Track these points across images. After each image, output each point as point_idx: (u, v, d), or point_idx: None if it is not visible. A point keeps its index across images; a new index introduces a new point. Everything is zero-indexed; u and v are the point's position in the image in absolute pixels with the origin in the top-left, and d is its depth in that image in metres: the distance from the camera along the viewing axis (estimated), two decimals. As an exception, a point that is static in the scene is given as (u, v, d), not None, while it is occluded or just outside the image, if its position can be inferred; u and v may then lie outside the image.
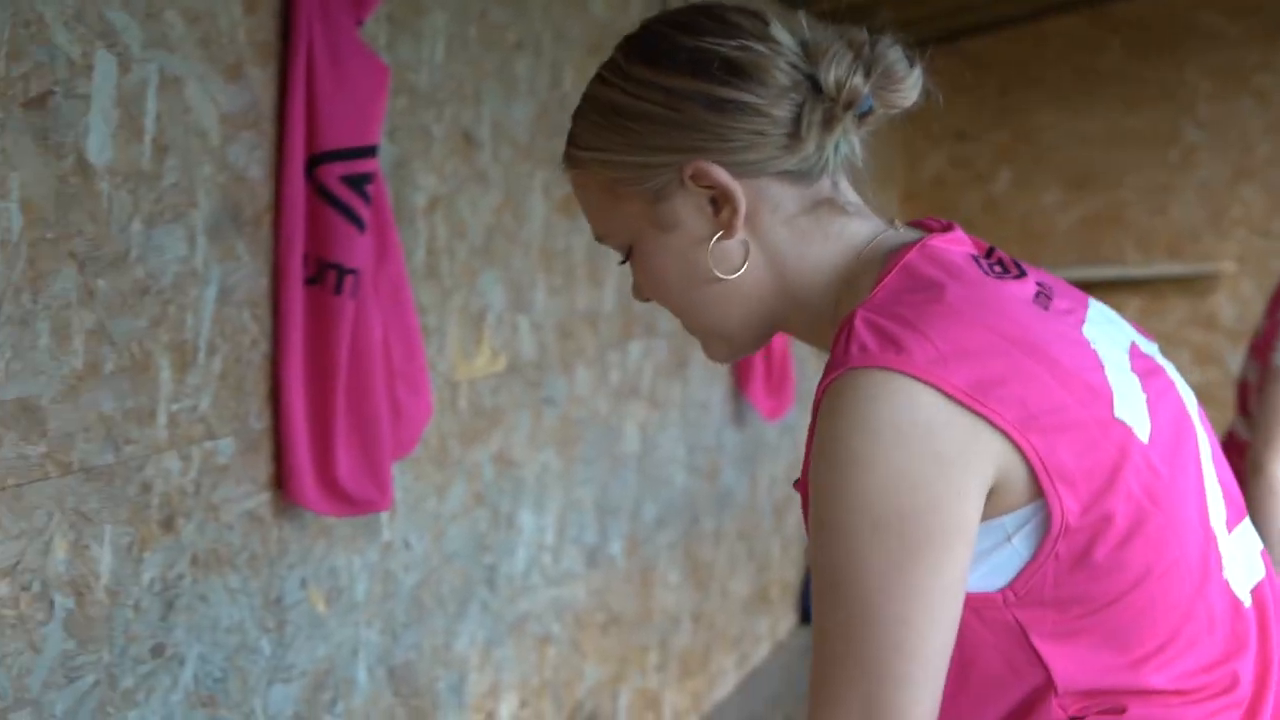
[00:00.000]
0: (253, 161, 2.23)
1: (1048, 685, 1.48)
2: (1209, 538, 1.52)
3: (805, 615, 4.98)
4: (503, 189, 2.93)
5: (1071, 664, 1.47)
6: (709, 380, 4.10)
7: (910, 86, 1.54)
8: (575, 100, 3.14)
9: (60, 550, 1.90)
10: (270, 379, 2.28)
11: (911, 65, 1.54)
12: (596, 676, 3.42)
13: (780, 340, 4.32)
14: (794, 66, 1.53)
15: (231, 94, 2.18)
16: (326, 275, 2.30)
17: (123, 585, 2.01)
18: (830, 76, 1.52)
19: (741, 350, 1.65)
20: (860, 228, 1.58)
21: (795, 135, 1.53)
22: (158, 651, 2.07)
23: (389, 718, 2.60)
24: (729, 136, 1.53)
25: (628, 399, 3.57)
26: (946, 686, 1.46)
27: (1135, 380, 1.51)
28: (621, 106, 1.56)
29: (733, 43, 1.54)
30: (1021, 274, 1.54)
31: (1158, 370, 1.57)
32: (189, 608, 2.13)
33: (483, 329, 2.87)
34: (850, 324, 1.45)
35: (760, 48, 1.54)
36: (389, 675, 2.60)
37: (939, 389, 1.38)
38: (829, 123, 1.53)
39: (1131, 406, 1.47)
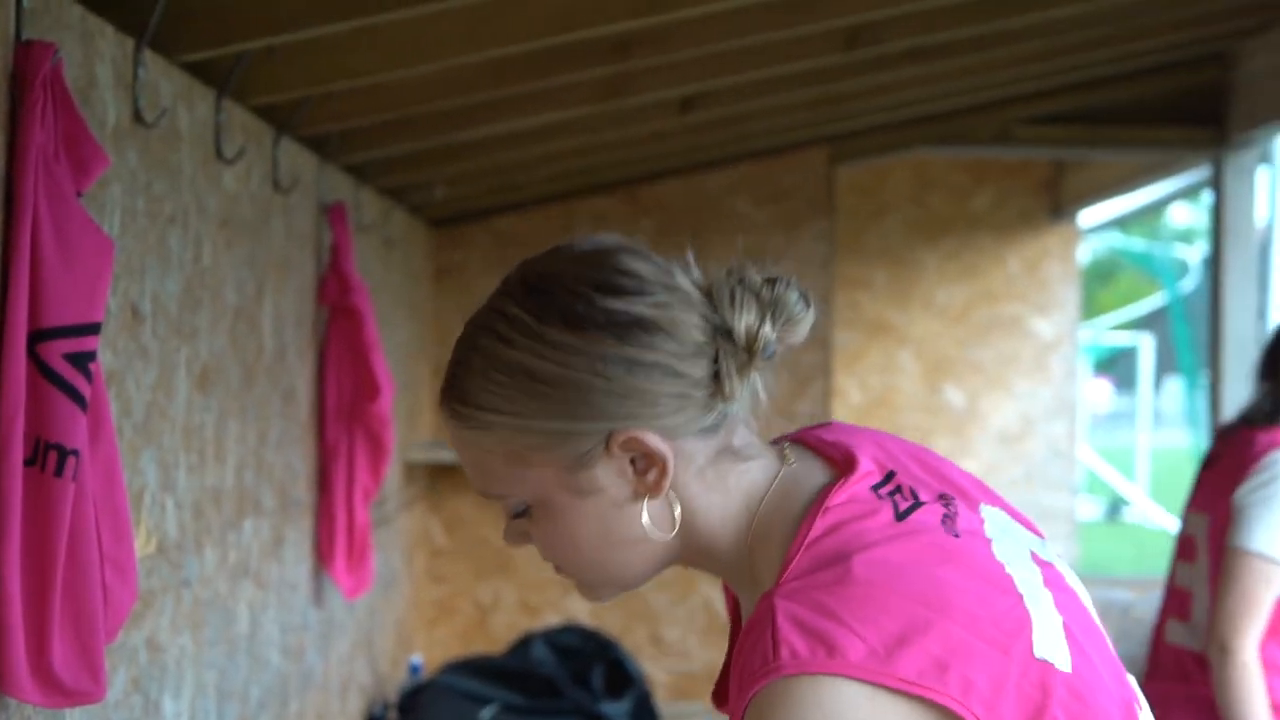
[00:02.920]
0: (-21, 337, 2.13)
1: None
2: None
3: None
4: (159, 365, 2.86)
5: None
6: (298, 559, 4.05)
7: (807, 325, 1.55)
8: (215, 273, 3.11)
9: None
10: (-12, 565, 2.16)
11: (808, 305, 1.55)
12: None
13: (362, 518, 4.31)
14: (705, 319, 1.52)
15: (-34, 266, 2.08)
16: (48, 456, 2.21)
17: None
18: (742, 326, 1.51)
19: (627, 590, 1.63)
20: (757, 472, 1.57)
21: (715, 391, 1.52)
22: None
23: None
24: (657, 402, 1.50)
25: (241, 579, 3.50)
26: None
27: (1049, 597, 1.54)
28: (538, 372, 1.50)
29: (648, 299, 1.51)
30: (920, 501, 1.55)
31: (1054, 572, 1.60)
32: (-83, 812, 1.99)
33: (141, 510, 2.79)
34: (773, 620, 1.43)
35: (672, 302, 1.52)
36: None
37: (880, 685, 1.38)
38: (742, 371, 1.52)
39: (1049, 635, 1.49)
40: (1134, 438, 19.39)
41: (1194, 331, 16.04)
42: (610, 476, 1.53)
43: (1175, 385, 30.58)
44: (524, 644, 5.71)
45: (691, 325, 1.51)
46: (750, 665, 1.43)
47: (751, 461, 1.57)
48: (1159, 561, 12.32)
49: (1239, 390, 5.41)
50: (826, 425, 1.67)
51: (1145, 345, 20.26)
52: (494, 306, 1.55)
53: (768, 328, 1.52)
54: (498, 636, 6.38)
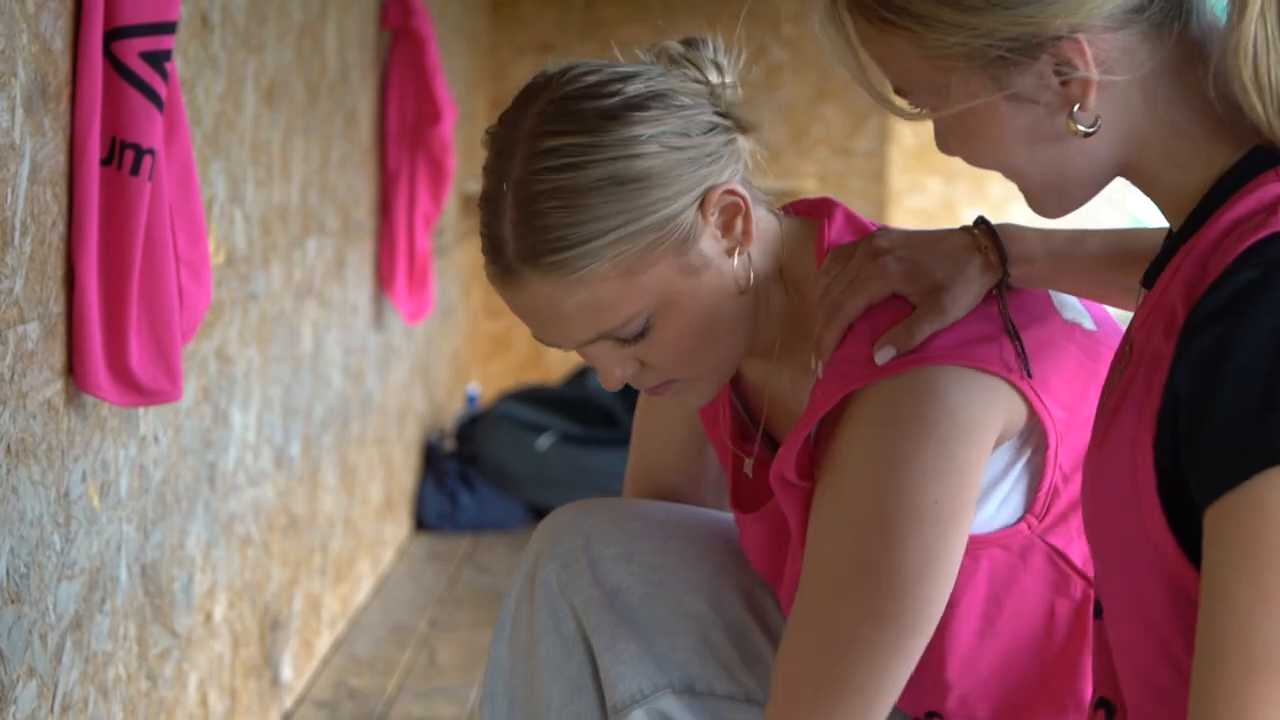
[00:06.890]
0: (56, 32, 2.11)
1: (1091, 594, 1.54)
2: None
3: (419, 523, 4.99)
4: (227, 76, 2.85)
5: None
6: (359, 282, 4.07)
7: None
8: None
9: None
10: (66, 262, 2.18)
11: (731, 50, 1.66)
12: (279, 580, 3.38)
13: (423, 243, 4.32)
14: (696, 81, 1.61)
15: (42, -42, 2.06)
16: (124, 155, 2.20)
17: (-42, 475, 1.90)
18: (726, 76, 1.64)
19: (724, 383, 1.70)
20: (771, 220, 1.66)
21: (740, 130, 1.61)
22: (-19, 545, 1.97)
23: (141, 617, 2.52)
24: (720, 152, 1.57)
25: (305, 298, 3.52)
26: (968, 636, 1.56)
27: None
28: (623, 173, 1.53)
29: (653, 71, 1.60)
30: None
31: None
32: (3, 500, 2.02)
33: (211, 221, 2.79)
34: (856, 331, 1.52)
35: (661, 67, 1.62)
36: (141, 573, 2.52)
37: (969, 366, 1.48)
38: (739, 105, 1.64)
39: (1066, 300, 1.61)
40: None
41: None
42: (710, 243, 1.58)
43: None
44: (581, 374, 5.73)
45: (684, 78, 1.61)
46: (842, 371, 1.51)
47: (762, 208, 1.66)
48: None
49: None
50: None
51: None
52: (532, 151, 1.56)
53: (731, 75, 1.65)
54: (553, 371, 6.42)
